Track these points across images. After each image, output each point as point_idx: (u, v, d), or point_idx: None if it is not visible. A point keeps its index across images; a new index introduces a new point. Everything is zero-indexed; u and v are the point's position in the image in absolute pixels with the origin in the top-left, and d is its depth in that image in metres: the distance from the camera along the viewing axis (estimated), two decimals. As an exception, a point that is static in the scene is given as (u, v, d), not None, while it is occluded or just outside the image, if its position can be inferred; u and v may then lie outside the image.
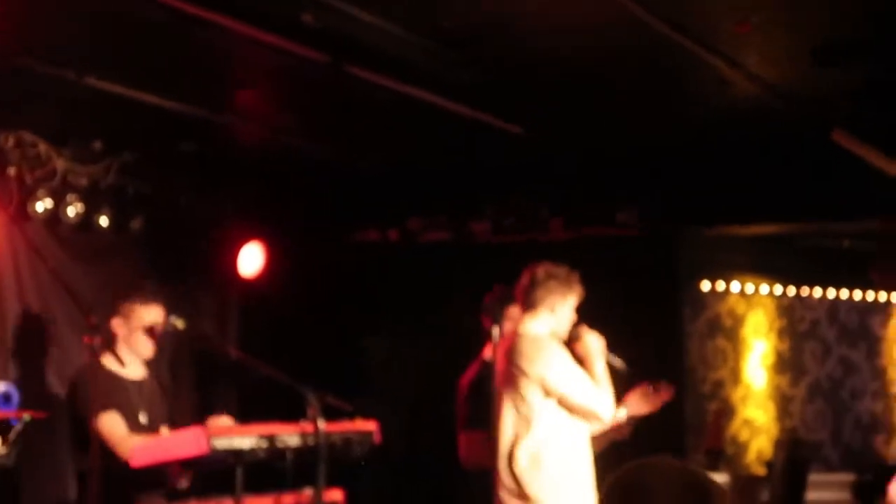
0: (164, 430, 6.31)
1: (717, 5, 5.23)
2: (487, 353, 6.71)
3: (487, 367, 6.62)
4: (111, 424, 6.00)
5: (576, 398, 5.91)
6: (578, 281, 6.13)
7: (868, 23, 5.47)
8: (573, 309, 6.14)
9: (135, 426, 6.26)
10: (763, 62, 6.02)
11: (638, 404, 6.50)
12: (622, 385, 6.56)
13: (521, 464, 5.91)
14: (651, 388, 6.58)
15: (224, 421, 6.16)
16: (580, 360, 6.10)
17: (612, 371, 6.31)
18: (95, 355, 5.54)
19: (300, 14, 5.23)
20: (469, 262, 8.37)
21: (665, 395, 6.77)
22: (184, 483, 6.06)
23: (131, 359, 6.32)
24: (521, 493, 5.93)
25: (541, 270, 6.10)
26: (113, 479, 5.73)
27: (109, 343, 6.05)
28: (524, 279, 6.13)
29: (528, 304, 6.11)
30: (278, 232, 8.53)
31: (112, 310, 6.29)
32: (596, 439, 6.32)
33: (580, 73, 6.27)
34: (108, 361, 6.06)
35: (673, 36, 5.47)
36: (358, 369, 8.76)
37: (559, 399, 5.91)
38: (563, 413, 5.96)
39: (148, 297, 6.33)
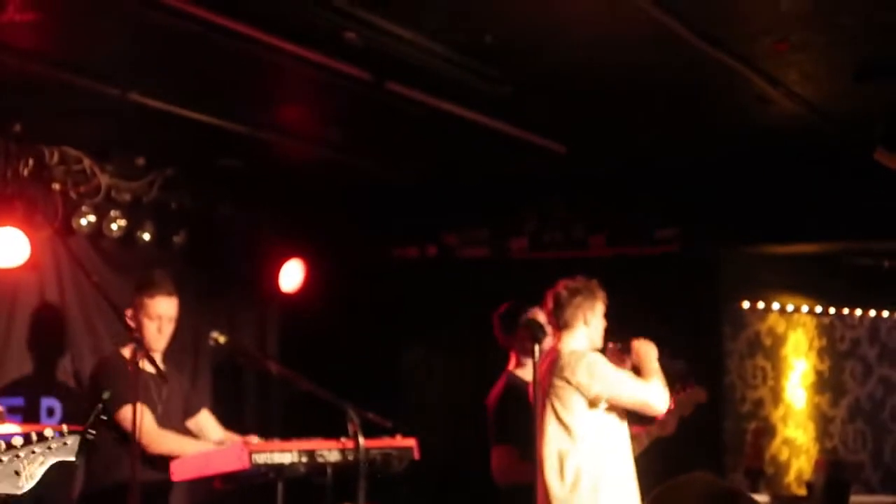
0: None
1: (756, 23, 5.21)
2: (512, 366, 6.73)
3: (513, 382, 6.63)
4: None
5: (626, 396, 5.99)
6: (600, 287, 6.18)
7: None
8: (602, 316, 6.19)
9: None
10: (803, 80, 6.01)
11: (679, 407, 6.59)
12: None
13: (569, 477, 5.93)
14: (683, 388, 6.69)
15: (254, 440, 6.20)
16: (636, 370, 6.19)
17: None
18: (136, 366, 5.57)
19: (343, 32, 5.26)
20: (507, 278, 8.36)
21: (696, 395, 6.82)
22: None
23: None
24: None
25: (563, 290, 6.15)
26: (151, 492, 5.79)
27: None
28: (549, 302, 6.18)
29: (563, 324, 6.14)
30: (318, 247, 8.56)
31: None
32: (638, 438, 6.36)
33: (620, 90, 6.28)
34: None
35: (713, 53, 5.47)
36: (396, 385, 8.78)
37: (610, 401, 5.96)
38: (609, 421, 6.00)
39: (155, 288, 6.31)
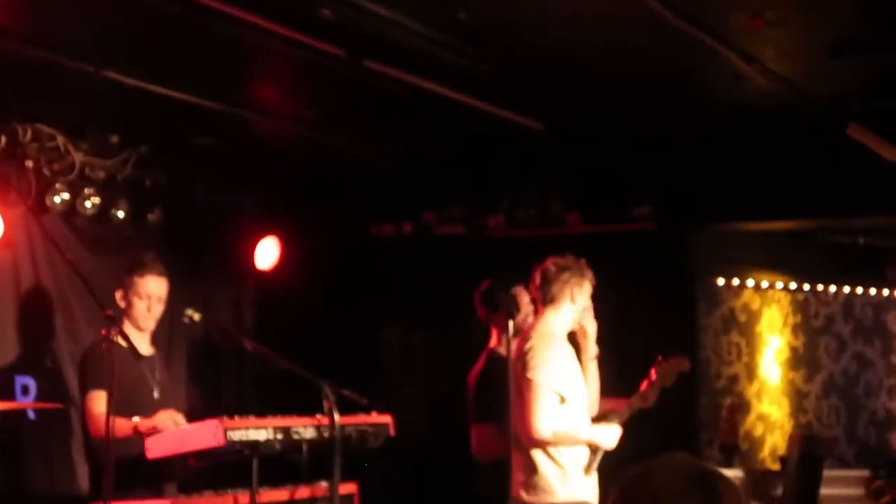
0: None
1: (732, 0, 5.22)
2: (493, 343, 6.74)
3: (494, 359, 6.65)
4: (99, 402, 6.00)
5: (532, 399, 5.93)
6: (589, 267, 6.19)
7: (883, 17, 5.47)
8: (589, 296, 6.19)
9: (149, 402, 6.33)
10: (778, 57, 6.01)
11: (663, 377, 6.60)
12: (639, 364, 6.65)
13: (534, 454, 5.96)
14: (665, 360, 6.71)
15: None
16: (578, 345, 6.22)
17: (631, 354, 6.38)
18: (110, 345, 5.57)
19: (318, 9, 5.24)
20: (484, 255, 8.37)
21: (680, 364, 6.84)
22: None
23: (138, 335, 6.36)
24: (534, 482, 5.98)
25: (552, 265, 6.15)
26: (126, 469, 5.78)
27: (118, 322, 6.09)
28: (537, 277, 6.18)
29: (549, 300, 6.14)
30: (294, 225, 8.55)
31: (118, 284, 6.37)
32: (619, 411, 6.38)
33: (596, 67, 6.28)
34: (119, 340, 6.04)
35: (688, 30, 5.47)
36: (373, 362, 8.79)
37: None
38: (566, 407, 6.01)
39: (146, 267, 6.38)
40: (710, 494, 2.37)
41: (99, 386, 6.05)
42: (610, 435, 6.11)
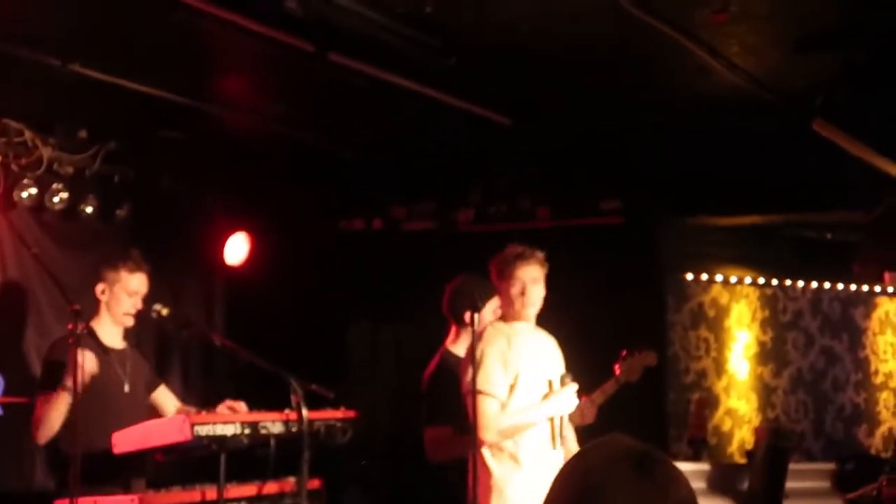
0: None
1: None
2: (449, 342, 6.71)
3: (447, 359, 6.61)
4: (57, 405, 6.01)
5: (476, 398, 5.81)
6: (529, 255, 5.99)
7: (847, 11, 5.49)
8: (534, 281, 5.99)
9: (119, 395, 6.31)
10: (743, 51, 6.05)
11: (627, 372, 6.60)
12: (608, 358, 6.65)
13: (485, 454, 5.91)
14: (629, 355, 6.71)
15: (241, 406, 6.18)
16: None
17: (600, 349, 6.35)
18: (78, 341, 5.54)
19: (284, 1, 5.23)
20: (453, 250, 8.36)
21: (646, 358, 6.84)
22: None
23: (113, 329, 6.36)
24: (487, 483, 5.90)
25: (507, 254, 6.04)
26: (93, 464, 5.75)
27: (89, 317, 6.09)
28: (491, 269, 6.10)
29: (500, 289, 6.09)
30: (263, 220, 8.53)
31: (97, 277, 6.35)
32: (584, 408, 6.35)
33: (563, 62, 6.31)
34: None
35: (654, 24, 5.49)
36: (342, 357, 8.78)
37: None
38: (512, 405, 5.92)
39: (132, 264, 6.37)
40: (648, 473, 2.36)
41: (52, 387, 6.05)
42: (562, 401, 5.94)
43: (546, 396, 5.96)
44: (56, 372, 5.98)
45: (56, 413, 5.95)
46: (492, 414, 5.84)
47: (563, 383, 5.99)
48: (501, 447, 5.89)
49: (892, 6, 5.39)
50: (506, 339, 5.96)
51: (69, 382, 5.74)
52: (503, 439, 5.88)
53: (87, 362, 5.61)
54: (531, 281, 6.01)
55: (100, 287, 6.34)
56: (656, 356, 7.18)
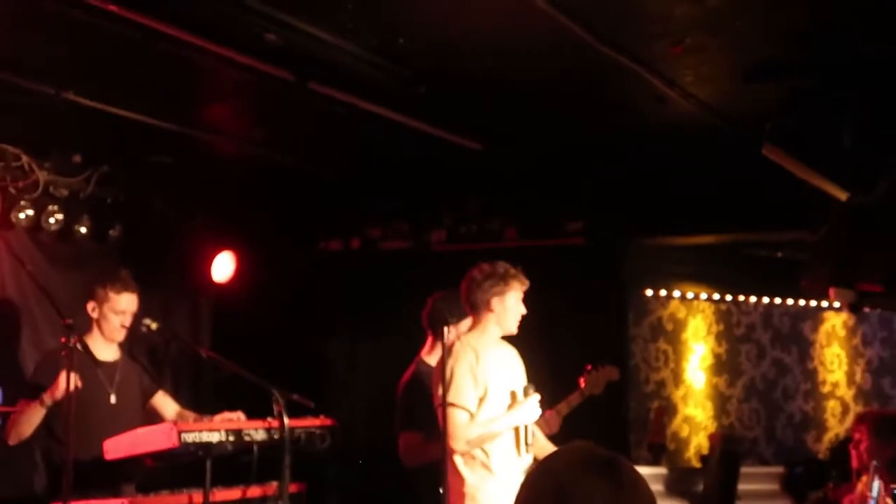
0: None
1: (653, 27, 5.24)
2: (424, 353, 6.70)
3: (421, 369, 6.60)
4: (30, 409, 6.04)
5: (447, 412, 5.78)
6: (518, 275, 5.99)
7: (794, 41, 5.52)
8: (519, 301, 6.02)
9: (105, 406, 6.30)
10: (697, 81, 6.05)
11: (591, 385, 6.59)
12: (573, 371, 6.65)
13: (457, 461, 5.87)
14: (594, 370, 6.70)
15: (239, 416, 6.18)
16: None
17: (565, 362, 6.34)
18: (70, 354, 5.52)
19: (264, 33, 5.23)
20: (426, 268, 8.35)
21: (610, 373, 6.84)
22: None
23: (105, 343, 6.36)
24: (459, 489, 5.87)
25: (476, 272, 6.00)
26: (84, 471, 5.72)
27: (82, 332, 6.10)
28: (463, 284, 6.04)
29: (471, 307, 6.03)
30: (247, 240, 8.52)
31: (88, 294, 6.35)
32: (550, 419, 6.34)
33: (529, 90, 6.30)
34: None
35: (613, 56, 5.50)
36: (321, 368, 8.77)
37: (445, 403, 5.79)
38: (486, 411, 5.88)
39: (122, 284, 6.37)
40: (612, 477, 2.36)
41: (33, 395, 6.05)
42: (526, 411, 5.88)
43: (510, 407, 5.92)
44: (39, 386, 6.00)
45: (27, 421, 6.02)
46: (461, 425, 5.80)
47: (525, 394, 5.97)
48: (473, 455, 5.85)
49: (833, 39, 5.42)
50: (474, 354, 5.90)
51: (47, 399, 5.85)
52: (471, 448, 5.84)
53: (71, 381, 5.58)
54: (521, 296, 6.02)
55: (90, 305, 6.36)
56: (619, 371, 7.20)
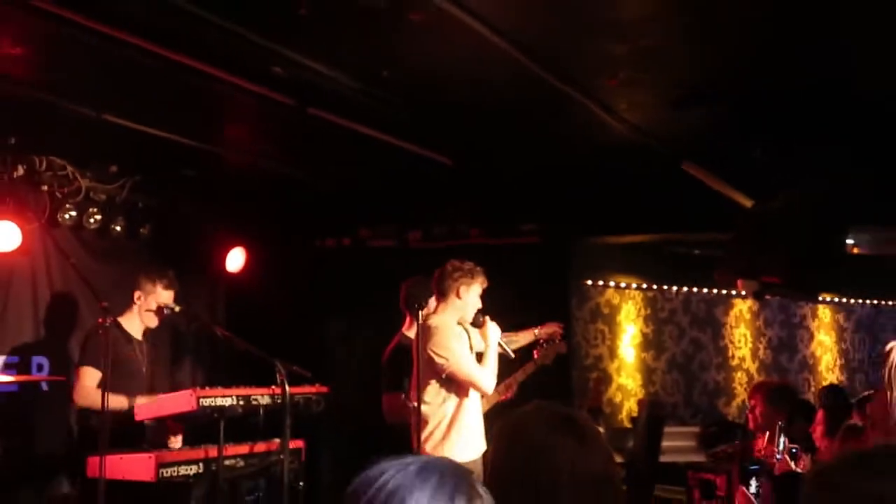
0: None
1: (593, 63, 5.25)
2: (405, 328, 6.68)
3: (402, 341, 6.60)
4: (88, 376, 6.05)
5: (461, 374, 5.81)
6: (481, 273, 6.04)
7: (713, 77, 5.53)
8: (478, 296, 6.04)
9: (139, 375, 6.31)
10: (631, 108, 6.05)
11: (543, 357, 6.60)
12: (527, 346, 6.65)
13: (433, 419, 5.86)
14: (545, 344, 6.72)
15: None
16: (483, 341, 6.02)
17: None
18: (106, 332, 5.51)
19: (271, 67, 5.21)
20: (406, 262, 8.30)
21: (559, 347, 6.85)
22: (176, 444, 6.01)
23: (134, 325, 6.36)
24: (437, 440, 5.87)
25: (448, 265, 6.04)
26: (119, 428, 5.69)
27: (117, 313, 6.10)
28: (437, 273, 6.07)
29: (440, 293, 6.04)
30: (257, 238, 8.47)
31: (136, 284, 6.39)
32: (486, 400, 6.33)
33: (493, 115, 6.29)
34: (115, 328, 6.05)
35: (562, 87, 5.50)
36: (317, 345, 8.73)
37: (449, 375, 5.81)
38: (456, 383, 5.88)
39: (169, 281, 6.44)
40: (575, 432, 2.33)
41: (93, 363, 6.02)
42: (494, 328, 5.96)
43: (482, 331, 5.95)
44: (89, 357, 6.05)
45: (89, 382, 6.06)
46: (477, 369, 5.83)
47: (480, 322, 5.97)
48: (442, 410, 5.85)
49: (747, 72, 5.43)
50: (447, 325, 5.94)
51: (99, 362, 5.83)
52: (496, 383, 5.90)
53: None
54: (480, 292, 6.05)
55: (137, 293, 6.39)
56: (566, 345, 7.20)
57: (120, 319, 6.29)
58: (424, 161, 7.27)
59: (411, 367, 6.01)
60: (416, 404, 5.82)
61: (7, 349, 6.84)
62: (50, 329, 7.08)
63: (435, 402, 5.84)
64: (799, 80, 5.48)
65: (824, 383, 10.96)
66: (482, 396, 6.08)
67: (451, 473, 1.70)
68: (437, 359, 5.79)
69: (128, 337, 6.32)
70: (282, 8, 4.50)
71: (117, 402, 5.93)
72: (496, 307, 6.22)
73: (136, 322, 6.43)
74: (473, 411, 5.95)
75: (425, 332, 5.85)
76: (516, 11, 4.59)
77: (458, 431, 5.84)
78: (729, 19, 4.66)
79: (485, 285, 6.06)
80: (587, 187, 8.08)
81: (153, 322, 6.46)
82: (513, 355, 6.26)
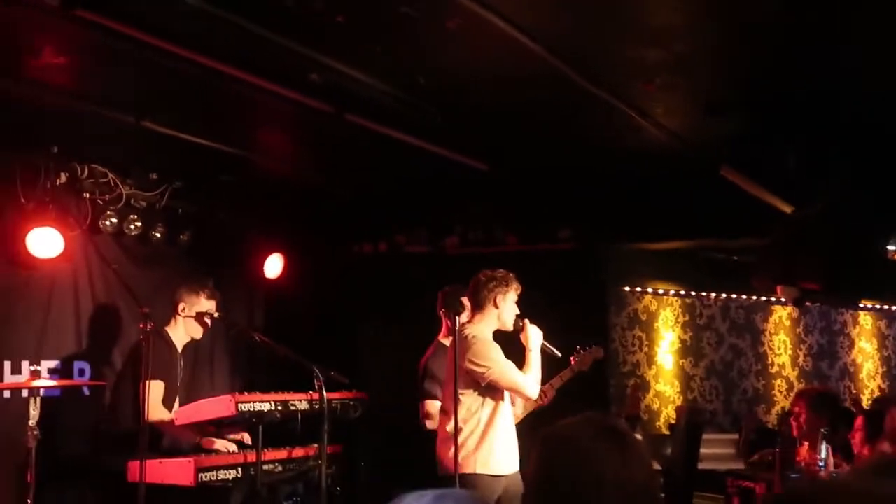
0: None
1: (630, 69, 5.24)
2: (442, 335, 6.69)
3: (439, 349, 6.60)
4: (153, 390, 6.02)
5: (505, 380, 5.79)
6: (515, 280, 6.00)
7: (747, 84, 5.52)
8: (514, 303, 6.00)
9: (178, 385, 6.37)
10: (667, 113, 6.04)
11: (580, 363, 6.58)
12: (565, 352, 6.63)
13: (468, 426, 5.83)
14: (582, 350, 6.70)
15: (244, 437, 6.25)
16: (524, 347, 6.00)
17: (558, 347, 6.30)
18: (147, 337, 5.54)
19: (309, 74, 5.25)
20: (442, 268, 8.34)
21: (596, 353, 6.82)
22: (247, 439, 6.10)
23: (179, 335, 6.40)
24: (469, 449, 5.82)
25: (482, 276, 5.98)
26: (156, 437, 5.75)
27: (161, 324, 6.14)
28: (471, 285, 6.01)
29: (476, 304, 5.98)
30: (294, 244, 8.52)
31: (178, 296, 6.45)
32: (524, 406, 6.31)
33: (528, 119, 6.29)
34: (160, 337, 6.10)
35: (598, 93, 5.50)
36: (354, 351, 8.75)
37: (491, 383, 5.78)
38: (495, 392, 5.84)
39: (210, 292, 6.53)
40: (619, 441, 2.35)
41: (160, 377, 6.05)
42: (535, 331, 5.96)
43: (523, 335, 5.94)
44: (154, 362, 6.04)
45: (157, 395, 6.10)
46: (521, 376, 5.81)
47: (520, 326, 5.97)
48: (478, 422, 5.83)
49: (778, 79, 5.41)
50: (483, 334, 5.92)
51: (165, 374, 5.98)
52: (539, 388, 5.89)
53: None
54: (516, 298, 6.03)
55: (181, 305, 6.45)
56: (603, 351, 7.18)
57: (166, 329, 6.37)
58: (460, 167, 7.29)
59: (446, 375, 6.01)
60: (450, 413, 5.81)
61: (50, 354, 6.91)
62: (91, 335, 7.15)
63: (469, 411, 5.81)
64: (836, 83, 5.44)
65: (865, 391, 10.84)
66: (524, 401, 6.08)
67: (467, 501, 1.72)
68: (477, 368, 5.75)
69: (171, 346, 6.39)
70: (320, 16, 4.53)
71: (166, 413, 6.04)
72: (532, 314, 6.19)
73: (180, 332, 6.49)
74: (506, 422, 5.90)
75: (462, 342, 5.82)
76: (552, 17, 4.59)
77: (491, 442, 5.78)
78: (762, 23, 4.64)
79: (519, 291, 6.02)
80: (624, 193, 8.07)
81: (198, 333, 6.52)
82: (559, 355, 6.25)
